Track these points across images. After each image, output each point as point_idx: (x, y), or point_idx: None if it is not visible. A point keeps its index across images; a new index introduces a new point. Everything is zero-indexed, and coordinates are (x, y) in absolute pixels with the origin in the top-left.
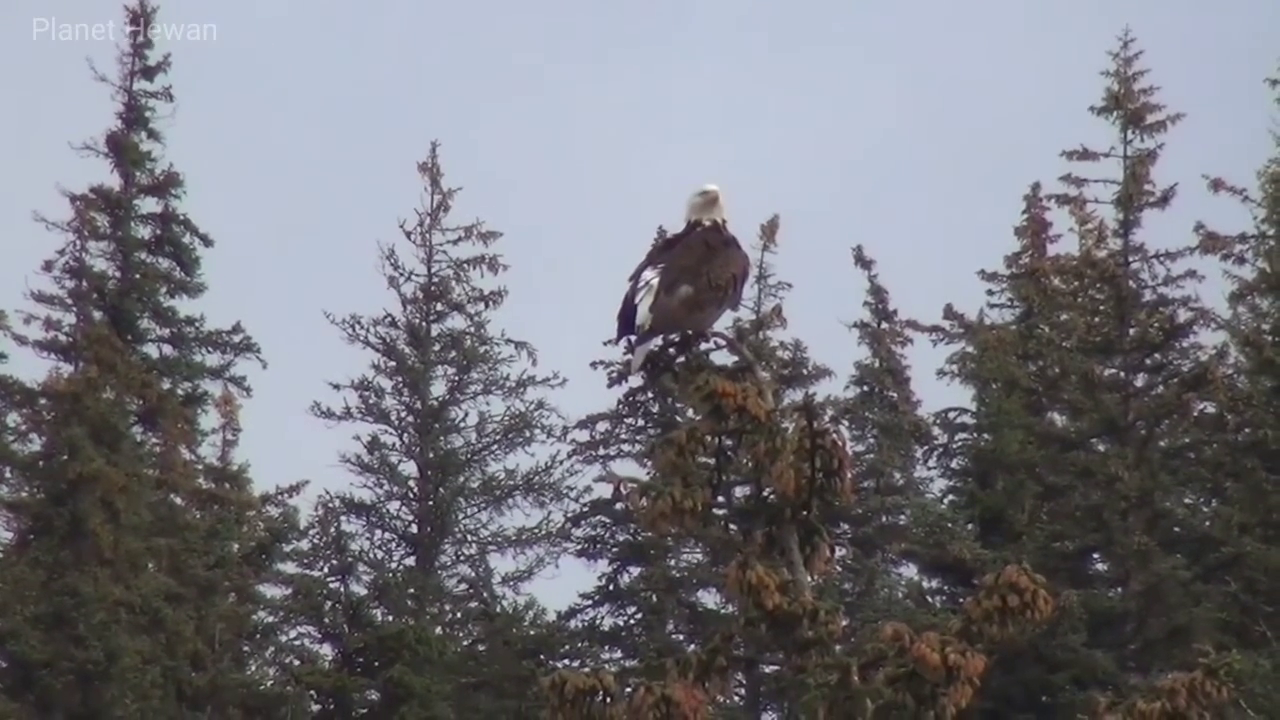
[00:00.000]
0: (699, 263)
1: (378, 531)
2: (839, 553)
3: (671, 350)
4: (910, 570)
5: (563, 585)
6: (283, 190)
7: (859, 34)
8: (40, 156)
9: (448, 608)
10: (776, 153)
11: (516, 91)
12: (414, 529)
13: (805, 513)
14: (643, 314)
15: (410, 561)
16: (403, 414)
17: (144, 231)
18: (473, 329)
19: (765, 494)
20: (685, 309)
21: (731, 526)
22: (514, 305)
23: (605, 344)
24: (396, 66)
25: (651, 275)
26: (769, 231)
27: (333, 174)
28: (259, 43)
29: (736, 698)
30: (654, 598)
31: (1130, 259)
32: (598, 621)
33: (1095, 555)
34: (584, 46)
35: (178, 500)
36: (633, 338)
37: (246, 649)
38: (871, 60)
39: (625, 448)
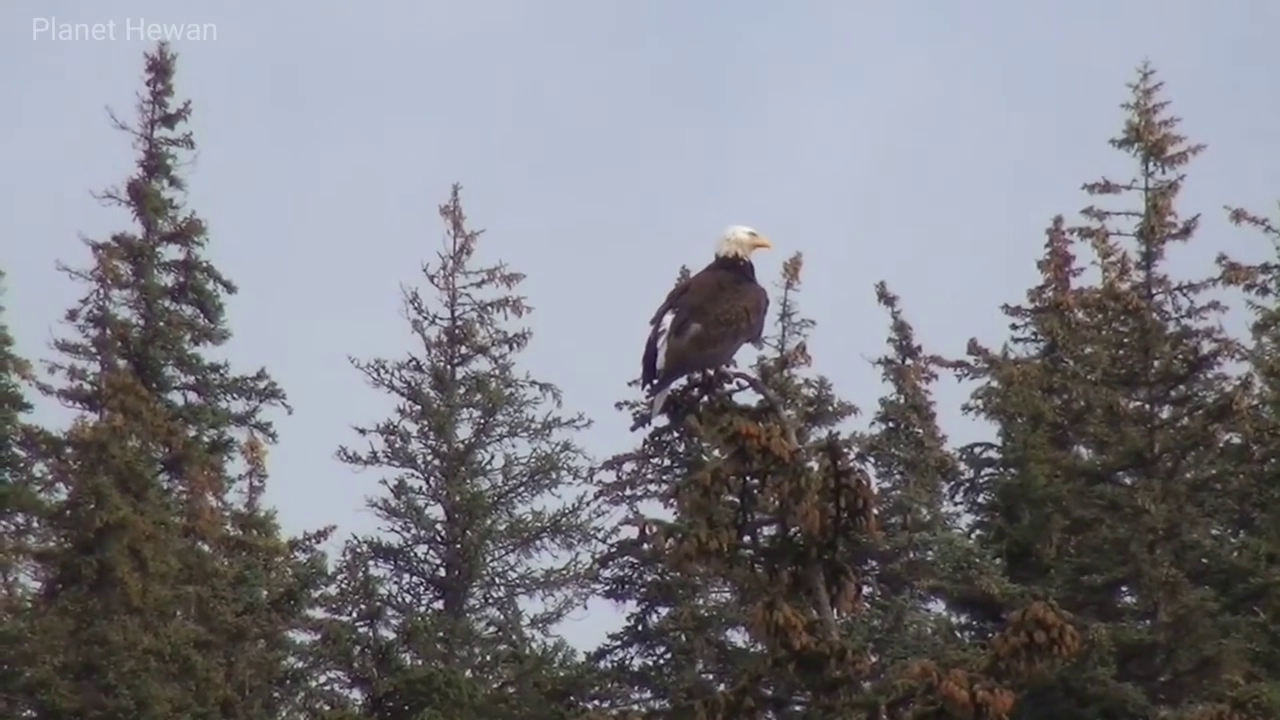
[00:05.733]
0: (706, 300)
1: (405, 575)
2: (866, 590)
3: (695, 391)
4: (938, 606)
5: (591, 626)
6: (303, 235)
7: (879, 69)
8: (59, 199)
9: (477, 650)
10: (797, 189)
11: (533, 113)
12: (442, 572)
13: (831, 552)
14: (662, 358)
15: (439, 605)
16: (429, 457)
17: (167, 279)
18: (497, 371)
19: (791, 534)
20: (696, 347)
21: (758, 566)
22: (538, 346)
23: (630, 384)
24: (406, 81)
25: (670, 318)
26: (792, 269)
27: (350, 209)
28: (260, 44)
29: None
30: (683, 637)
31: (1153, 291)
32: (627, 662)
33: (1123, 588)
34: (597, 77)
35: (205, 547)
36: (654, 382)
37: (276, 695)
38: (891, 94)
39: (652, 488)
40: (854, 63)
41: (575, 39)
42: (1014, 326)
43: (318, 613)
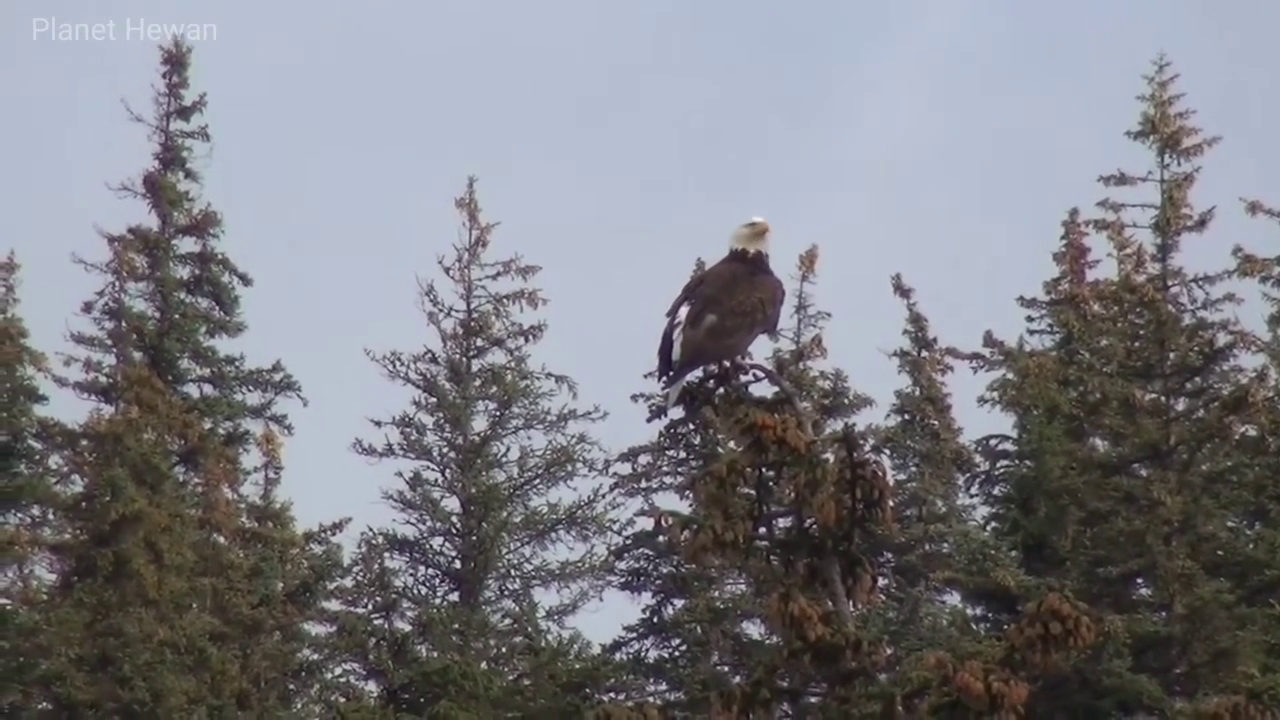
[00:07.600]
0: (721, 291)
1: (421, 568)
2: (881, 582)
3: (711, 383)
4: (954, 598)
5: (607, 618)
6: (319, 227)
7: (895, 61)
8: (73, 194)
9: (492, 643)
10: (812, 183)
11: (541, 104)
12: (457, 564)
13: (847, 543)
14: (678, 350)
15: (454, 597)
16: (444, 450)
17: (183, 272)
18: (513, 364)
19: (807, 525)
20: (712, 338)
21: (773, 558)
22: (553, 338)
23: (645, 376)
24: (419, 77)
25: (686, 310)
26: (808, 261)
27: (365, 202)
28: (260, 44)
29: None
30: (698, 629)
31: (1169, 283)
32: (642, 654)
33: (1139, 580)
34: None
35: (221, 539)
36: (670, 374)
37: (292, 687)
38: (906, 89)
39: (667, 480)
40: (874, 57)
41: (581, 30)
42: (1030, 319)
43: (333, 605)
